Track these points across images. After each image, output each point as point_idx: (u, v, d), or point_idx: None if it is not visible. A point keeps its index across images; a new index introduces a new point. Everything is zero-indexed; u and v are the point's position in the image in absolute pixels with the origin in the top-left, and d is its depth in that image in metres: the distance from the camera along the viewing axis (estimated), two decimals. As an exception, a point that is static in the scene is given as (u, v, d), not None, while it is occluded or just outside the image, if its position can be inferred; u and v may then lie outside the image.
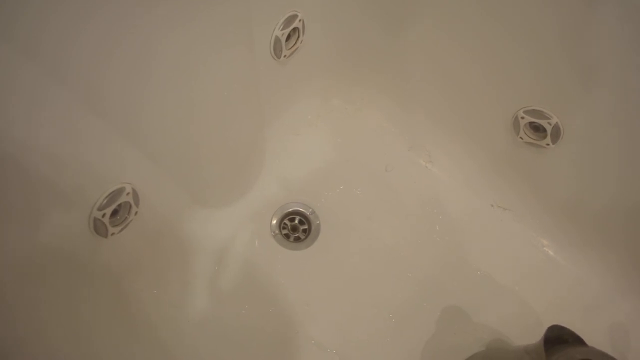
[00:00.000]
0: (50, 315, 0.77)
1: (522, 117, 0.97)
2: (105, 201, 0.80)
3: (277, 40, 0.95)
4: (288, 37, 0.99)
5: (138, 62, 0.69)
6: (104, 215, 0.80)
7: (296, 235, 1.12)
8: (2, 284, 0.68)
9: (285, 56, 1.01)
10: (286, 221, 1.13)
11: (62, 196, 0.73)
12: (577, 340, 0.75)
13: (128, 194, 0.84)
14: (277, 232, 1.10)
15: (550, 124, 0.94)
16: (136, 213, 0.88)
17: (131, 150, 0.81)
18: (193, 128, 0.90)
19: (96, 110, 0.69)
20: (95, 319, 0.87)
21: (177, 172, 0.96)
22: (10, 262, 0.68)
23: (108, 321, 0.89)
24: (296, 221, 1.13)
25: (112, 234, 0.85)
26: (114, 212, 0.84)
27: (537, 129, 0.98)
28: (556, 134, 0.94)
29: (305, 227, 1.13)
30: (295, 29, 0.99)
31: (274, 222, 1.12)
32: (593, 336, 0.77)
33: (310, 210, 1.13)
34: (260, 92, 1.01)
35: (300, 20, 0.98)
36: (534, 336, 0.78)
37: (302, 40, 1.03)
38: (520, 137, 1.00)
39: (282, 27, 0.95)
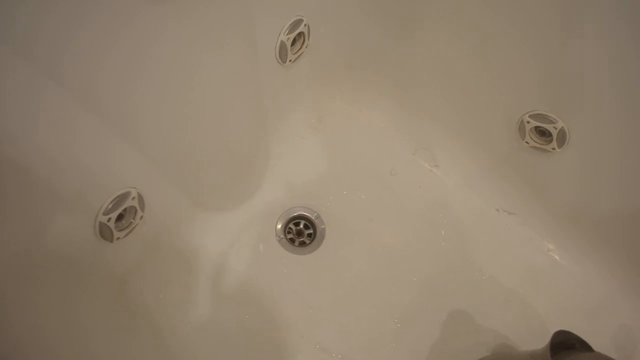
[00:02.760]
0: (52, 319, 0.76)
1: (528, 122, 0.97)
2: (110, 205, 0.80)
3: (283, 45, 0.95)
4: (293, 42, 0.99)
5: (135, 61, 0.69)
6: (109, 219, 0.80)
7: (301, 239, 1.12)
8: (5, 287, 0.68)
9: (290, 61, 1.00)
10: (291, 225, 1.13)
11: (66, 200, 0.73)
12: (584, 346, 0.75)
13: (134, 198, 0.84)
14: (282, 236, 1.10)
15: (556, 129, 0.94)
16: (141, 217, 0.88)
17: (134, 154, 0.81)
18: (194, 131, 0.90)
19: (95, 111, 0.69)
20: (98, 324, 0.86)
21: (181, 176, 0.96)
22: (13, 265, 0.68)
23: (110, 325, 0.89)
24: (301, 225, 1.13)
25: (118, 238, 0.85)
26: (120, 217, 0.84)
27: (542, 133, 0.98)
28: (562, 138, 0.94)
29: (310, 231, 1.13)
30: (300, 34, 0.99)
31: (279, 226, 1.12)
32: (598, 339, 0.77)
33: (315, 214, 1.13)
34: (264, 95, 1.01)
35: (305, 25, 0.98)
36: (539, 340, 0.78)
37: (307, 45, 1.03)
38: (526, 142, 1.00)
39: (287, 31, 0.95)
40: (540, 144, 0.99)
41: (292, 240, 1.11)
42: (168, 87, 0.78)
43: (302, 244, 1.11)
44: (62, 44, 0.59)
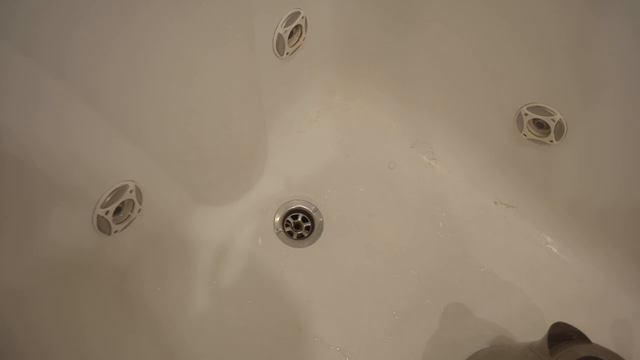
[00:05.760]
0: (49, 314, 0.76)
1: (526, 114, 0.97)
2: (108, 199, 0.80)
3: (280, 37, 0.95)
4: (291, 35, 0.99)
5: (135, 56, 0.69)
6: (107, 212, 0.80)
7: (299, 232, 1.12)
8: (2, 283, 0.68)
9: (287, 53, 1.00)
10: (289, 218, 1.13)
11: (64, 194, 0.73)
12: (581, 338, 0.75)
13: (131, 191, 0.84)
14: (280, 229, 1.10)
15: (554, 121, 0.93)
16: (139, 211, 0.88)
17: (133, 148, 0.81)
18: (193, 125, 0.90)
19: (94, 106, 0.69)
20: (96, 318, 0.87)
21: (179, 170, 0.96)
22: (9, 261, 0.68)
23: (109, 320, 0.89)
24: (299, 218, 1.13)
25: (115, 231, 0.85)
26: (117, 210, 0.84)
27: (540, 125, 0.98)
28: (560, 130, 0.94)
29: (309, 224, 1.13)
30: (298, 26, 0.99)
31: (277, 219, 1.12)
32: (597, 333, 0.77)
33: (314, 207, 1.13)
34: (262, 89, 1.01)
35: (302, 18, 0.98)
36: (538, 333, 0.78)
37: (304, 38, 1.02)
38: (524, 134, 1.00)
39: (284, 24, 0.94)
40: (538, 137, 0.98)
41: (290, 234, 1.11)
42: (168, 82, 0.78)
43: (300, 237, 1.11)
44: (63, 39, 0.59)
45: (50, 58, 0.59)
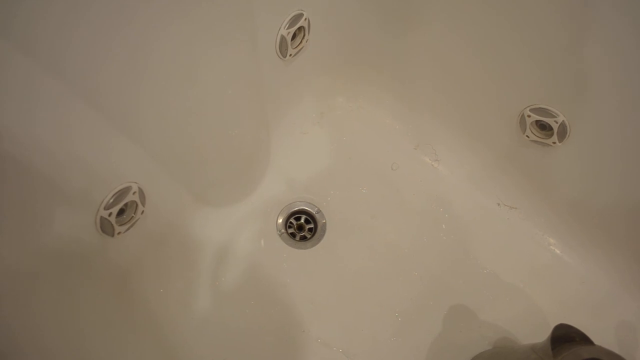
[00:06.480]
0: (52, 315, 0.76)
1: (529, 116, 0.97)
2: (111, 200, 0.80)
3: (283, 39, 0.95)
4: (294, 36, 0.99)
5: (135, 56, 0.69)
6: (110, 214, 0.81)
7: (302, 234, 1.12)
8: (3, 284, 0.68)
9: (290, 55, 1.00)
10: (292, 220, 1.13)
11: (65, 194, 0.73)
12: (584, 339, 0.75)
13: (134, 193, 0.84)
14: (283, 231, 1.10)
15: (557, 122, 0.93)
16: (142, 212, 0.88)
17: (133, 148, 0.81)
18: (194, 125, 0.90)
19: (94, 106, 0.69)
20: (98, 319, 0.87)
21: (182, 171, 0.96)
22: (13, 262, 0.68)
23: (111, 321, 0.89)
24: (302, 220, 1.13)
25: (119, 233, 0.85)
26: (121, 211, 0.84)
27: (543, 127, 0.97)
28: (563, 132, 0.94)
29: (311, 226, 1.13)
30: (300, 28, 0.99)
31: (280, 221, 1.12)
32: (600, 335, 0.77)
33: (316, 209, 1.13)
34: (265, 90, 1.01)
35: (305, 19, 0.98)
36: (541, 335, 0.78)
37: (307, 40, 1.03)
38: (527, 136, 1.00)
39: (287, 26, 0.95)
40: (541, 138, 0.98)
41: (293, 235, 1.11)
42: (169, 82, 0.78)
43: (303, 238, 1.11)
44: (63, 39, 0.59)
45: (50, 58, 0.59)
